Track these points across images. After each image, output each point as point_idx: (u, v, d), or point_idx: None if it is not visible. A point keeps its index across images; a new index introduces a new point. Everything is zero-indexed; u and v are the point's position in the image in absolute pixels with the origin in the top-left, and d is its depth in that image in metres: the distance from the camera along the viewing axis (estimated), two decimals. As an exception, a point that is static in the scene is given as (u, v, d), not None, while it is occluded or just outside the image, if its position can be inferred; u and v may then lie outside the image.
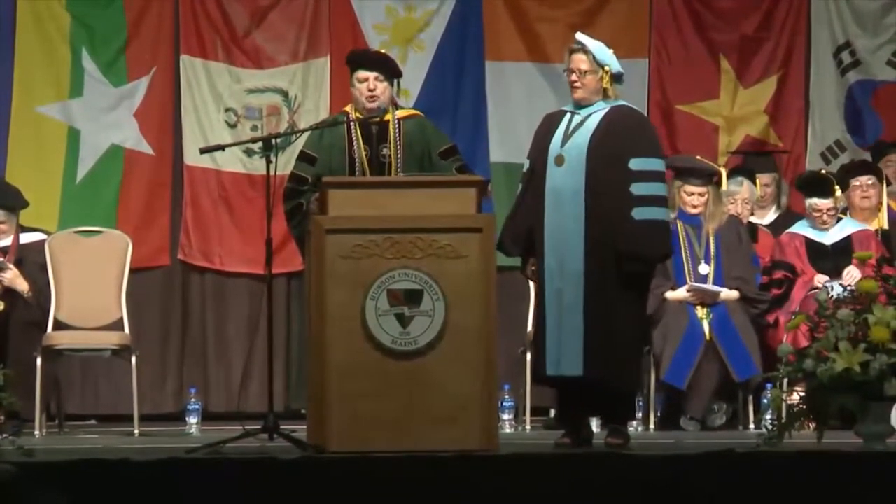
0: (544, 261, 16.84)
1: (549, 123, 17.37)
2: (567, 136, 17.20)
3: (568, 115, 17.33)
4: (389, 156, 18.50)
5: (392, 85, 18.75)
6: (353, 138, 18.49)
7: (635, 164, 16.80)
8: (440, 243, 16.25)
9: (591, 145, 16.96)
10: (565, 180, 17.07)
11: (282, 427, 15.77)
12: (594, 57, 17.25)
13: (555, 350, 16.64)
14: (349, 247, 16.25)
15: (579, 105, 17.20)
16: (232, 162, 22.78)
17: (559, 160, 17.13)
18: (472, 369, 16.09)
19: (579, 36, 18.11)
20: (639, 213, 16.67)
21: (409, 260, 16.09)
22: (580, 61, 17.44)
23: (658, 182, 17.30)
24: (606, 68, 17.66)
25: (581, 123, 17.17)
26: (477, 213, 16.65)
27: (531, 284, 18.95)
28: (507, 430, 19.40)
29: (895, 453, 15.77)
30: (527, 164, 17.55)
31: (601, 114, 17.12)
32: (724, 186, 20.68)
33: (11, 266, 20.43)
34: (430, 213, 16.57)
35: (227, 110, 23.05)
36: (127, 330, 20.29)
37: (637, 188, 16.74)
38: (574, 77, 16.93)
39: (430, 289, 16.03)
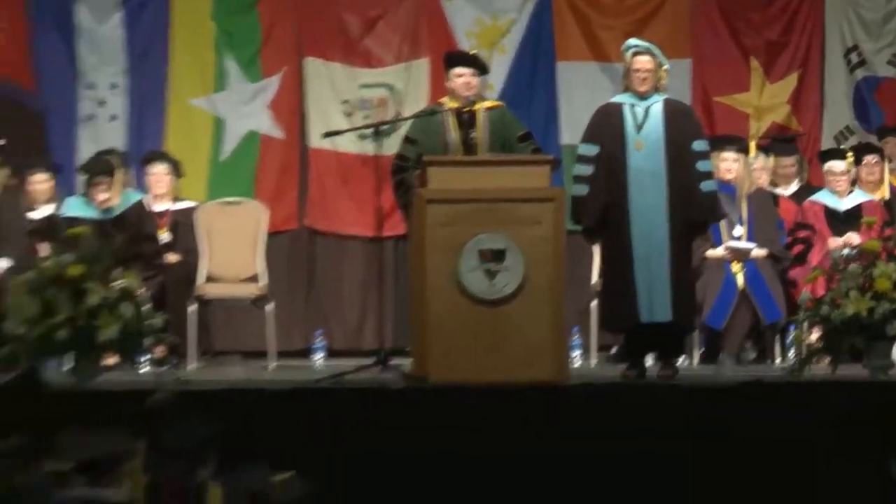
0: (630, 230, 17.22)
1: (610, 114, 17.61)
2: (639, 125, 17.74)
3: (627, 106, 17.64)
4: (477, 139, 18.33)
5: (481, 80, 19.00)
6: (448, 125, 18.33)
7: (697, 145, 17.48)
8: (520, 211, 16.67)
9: (667, 131, 17.51)
10: (645, 162, 17.56)
11: (391, 361, 16.62)
12: (656, 58, 17.85)
13: (647, 302, 17.17)
14: (445, 214, 16.60)
15: (641, 97, 17.56)
16: (347, 145, 22.67)
17: (638, 145, 17.58)
18: (547, 314, 16.45)
19: (638, 41, 18.56)
20: (705, 186, 17.48)
21: (494, 225, 16.44)
22: (646, 62, 17.95)
23: (710, 160, 18.12)
24: (664, 67, 18.21)
25: (646, 113, 17.62)
26: (549, 186, 17.11)
27: (595, 248, 19.64)
28: (576, 365, 19.15)
29: (896, 382, 15.88)
30: (589, 147, 17.74)
31: (660, 104, 17.64)
32: (752, 154, 21.03)
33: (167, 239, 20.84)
34: (511, 187, 16.96)
35: (343, 102, 23.04)
36: (263, 282, 20.52)
37: (700, 165, 17.43)
38: (641, 74, 17.28)
39: (511, 249, 16.23)
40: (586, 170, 17.72)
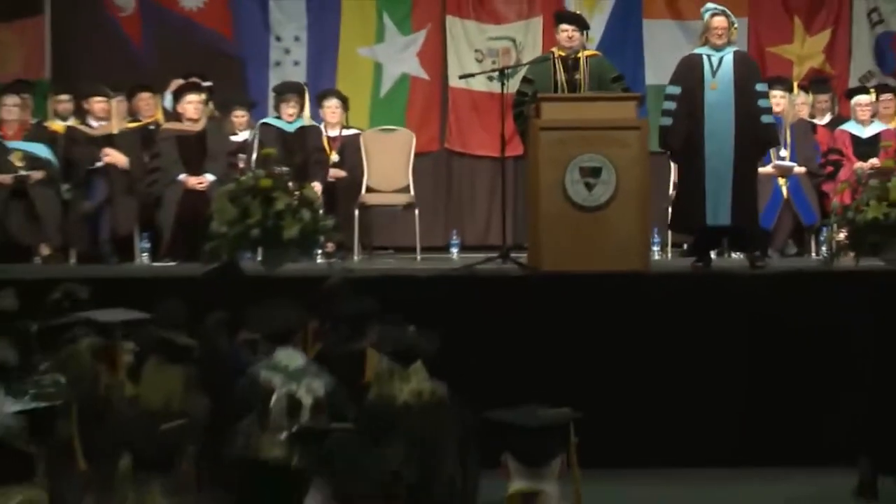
0: (704, 152, 17.24)
1: (691, 63, 17.78)
2: (714, 70, 17.72)
3: (705, 56, 17.74)
4: (580, 80, 18.36)
5: (582, 34, 18.80)
6: (556, 68, 18.25)
7: (758, 86, 17.74)
8: (612, 137, 16.82)
9: (735, 75, 17.59)
10: (719, 98, 17.61)
11: (511, 254, 16.90)
12: (729, 18, 17.83)
13: (713, 208, 17.18)
14: (554, 139, 16.82)
15: (717, 49, 17.62)
16: (478, 84, 22.39)
17: (713, 86, 17.64)
18: (634, 218, 16.77)
19: (715, 5, 18.37)
20: (765, 119, 17.67)
21: (592, 147, 16.60)
22: (722, 21, 17.93)
23: (768, 98, 18.41)
24: (735, 25, 18.30)
25: (720, 61, 17.66)
26: (636, 118, 17.47)
27: (673, 165, 19.60)
28: (656, 258, 19.29)
29: (907, 272, 18.01)
30: (674, 88, 17.84)
31: (731, 55, 17.77)
32: (795, 92, 21.03)
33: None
34: (606, 118, 17.16)
35: (476, 51, 23.07)
36: (411, 192, 20.72)
37: (762, 102, 17.62)
38: (718, 31, 17.33)
39: (606, 166, 16.52)
40: (671, 105, 17.79)
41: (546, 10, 22.34)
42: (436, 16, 22.78)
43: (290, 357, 11.34)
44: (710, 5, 18.44)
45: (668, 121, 17.92)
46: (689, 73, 17.97)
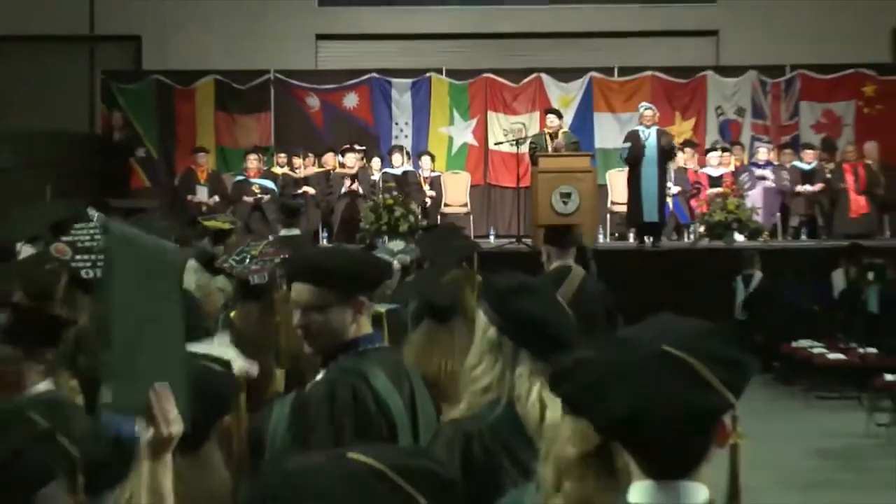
0: (642, 180, 17.11)
1: (634, 134, 17.40)
2: (646, 137, 17.20)
3: (641, 130, 17.34)
4: (558, 145, 17.95)
5: (560, 119, 18.60)
6: (546, 139, 18.15)
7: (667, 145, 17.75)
8: (577, 176, 16.79)
9: (657, 141, 17.10)
10: (649, 154, 17.06)
11: (522, 240, 17.06)
12: (653, 110, 17.61)
13: (648, 211, 17.23)
14: (546, 178, 16.78)
15: (647, 126, 17.17)
16: (505, 148, 20.21)
17: (647, 149, 17.33)
18: (590, 219, 16.77)
19: (645, 103, 18.37)
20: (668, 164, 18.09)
21: (567, 182, 16.74)
22: (650, 112, 17.54)
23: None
24: (657, 115, 17.97)
25: (648, 133, 17.15)
26: (589, 166, 17.29)
27: (611, 190, 19.89)
28: (601, 240, 19.24)
29: None
30: (625, 143, 17.61)
31: (654, 129, 17.22)
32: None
33: None
34: (573, 166, 17.07)
35: (503, 130, 21.08)
36: (469, 206, 20.35)
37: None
38: (647, 118, 16.87)
39: (574, 192, 16.48)
40: (626, 147, 17.51)
41: (541, 107, 20.50)
42: (482, 110, 21.06)
43: None
44: (643, 104, 18.35)
45: (625, 153, 17.68)
46: (635, 137, 17.68)
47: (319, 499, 2.44)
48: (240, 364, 5.42)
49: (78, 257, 6.52)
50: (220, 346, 5.75)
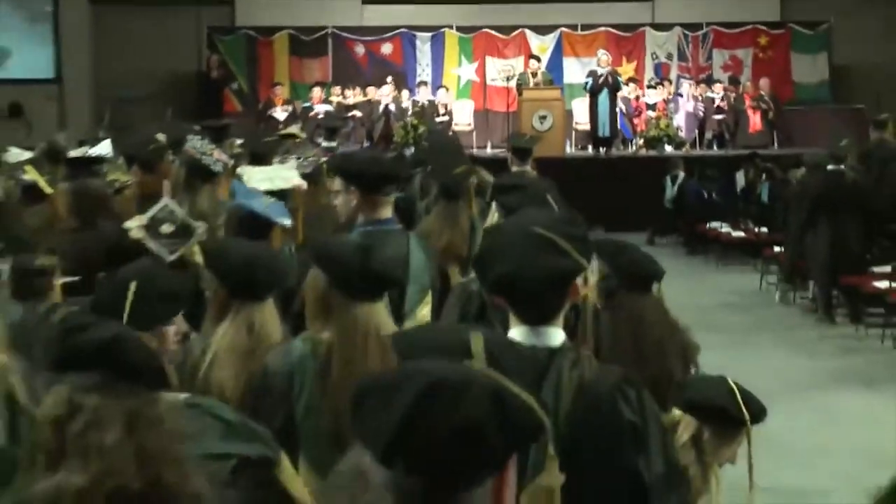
0: (598, 102, 17.46)
1: (595, 72, 17.64)
2: (602, 75, 17.37)
3: (598, 69, 17.67)
4: (538, 81, 17.66)
5: (539, 62, 18.51)
6: (529, 77, 17.92)
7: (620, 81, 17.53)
8: (550, 103, 16.95)
9: (610, 78, 17.36)
10: (606, 79, 17.57)
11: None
12: (608, 56, 17.53)
13: (602, 127, 17.02)
14: (528, 104, 16.78)
15: (602, 67, 17.38)
16: (499, 83, 19.92)
17: (601, 78, 17.00)
18: (560, 134, 16.85)
19: (602, 50, 18.28)
20: (622, 90, 17.59)
21: (543, 106, 16.81)
22: (605, 56, 17.91)
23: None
24: (609, 59, 17.95)
25: (605, 72, 17.20)
26: (559, 96, 17.38)
27: (576, 110, 19.09)
28: (569, 150, 18.54)
29: None
30: (588, 77, 17.37)
31: (607, 69, 17.41)
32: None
33: None
34: (548, 97, 17.26)
35: (498, 70, 20.21)
36: (472, 125, 19.74)
37: (621, 83, 17.60)
38: (603, 60, 17.09)
39: (549, 114, 16.56)
40: (587, 84, 17.51)
41: (525, 53, 20.11)
42: (482, 56, 20.32)
43: None
44: (600, 51, 18.32)
45: (587, 86, 17.41)
46: (594, 75, 17.21)
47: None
48: (296, 182, 5.71)
49: (202, 155, 6.46)
50: (283, 170, 6.13)
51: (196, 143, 6.58)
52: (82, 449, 2.10)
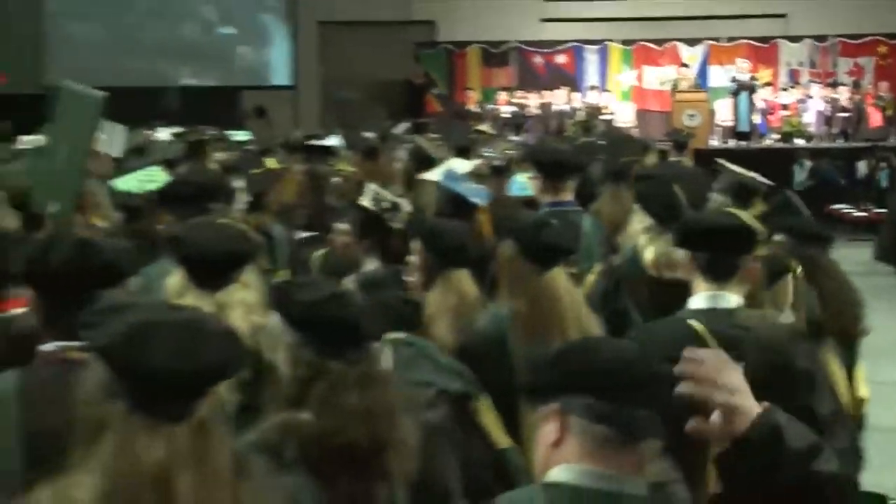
0: None
1: None
2: None
3: None
4: None
5: None
6: None
7: None
8: None
9: None
10: None
11: None
12: None
13: None
14: None
15: None
16: None
17: None
18: None
19: (742, 60, 19.03)
20: None
21: None
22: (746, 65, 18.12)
23: None
24: (749, 66, 18.90)
25: None
26: None
27: None
28: None
29: None
30: None
31: None
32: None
33: None
34: None
35: None
36: None
37: None
38: None
39: None
40: (731, 88, 18.15)
41: (676, 62, 20.58)
42: (640, 65, 21.08)
43: None
44: (740, 59, 19.17)
45: (731, 89, 17.95)
46: (736, 80, 17.87)
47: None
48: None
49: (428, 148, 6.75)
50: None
51: (423, 141, 7.17)
52: (322, 406, 2.22)
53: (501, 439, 3.05)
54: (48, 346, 2.52)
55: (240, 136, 11.22)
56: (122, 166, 6.49)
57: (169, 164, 6.47)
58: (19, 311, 2.90)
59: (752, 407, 1.67)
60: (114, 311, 1.87)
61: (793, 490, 1.62)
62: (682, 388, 1.66)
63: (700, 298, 2.96)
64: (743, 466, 1.64)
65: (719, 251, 2.93)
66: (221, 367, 1.76)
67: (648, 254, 4.17)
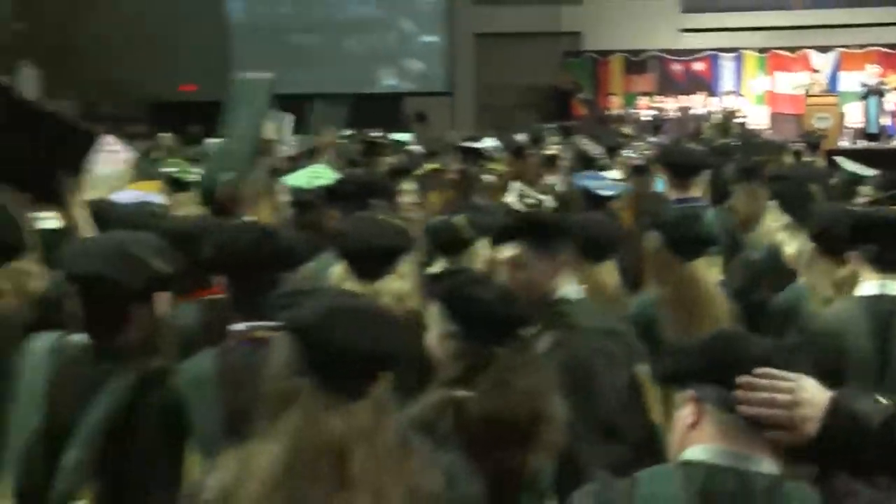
0: None
1: None
2: None
3: None
4: None
5: None
6: None
7: None
8: None
9: None
10: None
11: None
12: None
13: None
14: None
15: None
16: None
17: None
18: None
19: (872, 66, 18.57)
20: None
21: None
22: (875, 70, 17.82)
23: None
24: (878, 72, 18.57)
25: None
26: None
27: None
28: None
29: None
30: None
31: None
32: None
33: None
34: None
35: None
36: None
37: None
38: None
39: None
40: (862, 93, 18.34)
41: (807, 68, 20.80)
42: (773, 70, 21.21)
43: None
44: (869, 65, 19.15)
45: (862, 94, 17.96)
46: (865, 85, 17.93)
47: None
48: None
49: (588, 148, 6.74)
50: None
51: (585, 142, 7.22)
52: (493, 388, 2.33)
53: (657, 415, 3.08)
54: (239, 326, 2.62)
55: (402, 138, 11.59)
56: (296, 166, 6.77)
57: (351, 164, 6.99)
58: (216, 297, 2.88)
59: (816, 410, 1.72)
60: (302, 295, 2.00)
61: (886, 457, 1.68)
62: (743, 411, 1.77)
63: (870, 286, 3.12)
64: (827, 461, 1.73)
65: (888, 243, 3.07)
66: (400, 352, 1.86)
67: (790, 249, 4.23)
